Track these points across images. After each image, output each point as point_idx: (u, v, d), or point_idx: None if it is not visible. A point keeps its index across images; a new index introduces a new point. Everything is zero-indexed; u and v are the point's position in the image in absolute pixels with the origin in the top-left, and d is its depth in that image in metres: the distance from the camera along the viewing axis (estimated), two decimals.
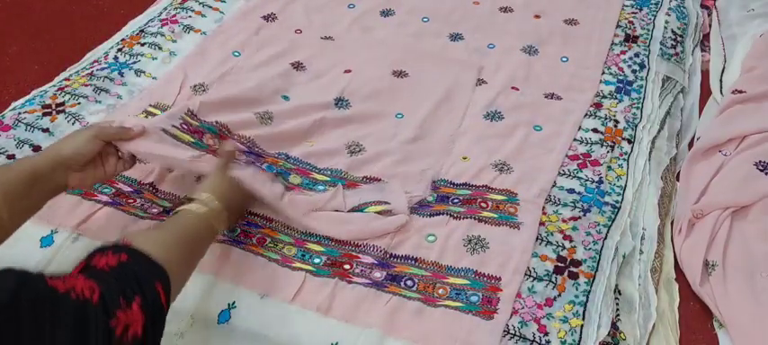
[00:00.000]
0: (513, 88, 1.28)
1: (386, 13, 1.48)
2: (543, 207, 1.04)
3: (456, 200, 1.05)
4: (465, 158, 1.13)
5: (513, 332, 0.89)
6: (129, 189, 1.05)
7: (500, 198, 1.05)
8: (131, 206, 1.02)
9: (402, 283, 0.93)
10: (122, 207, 1.01)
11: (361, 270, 0.94)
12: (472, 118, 1.21)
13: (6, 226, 0.77)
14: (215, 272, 0.93)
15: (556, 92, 1.27)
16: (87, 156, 0.87)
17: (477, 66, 1.32)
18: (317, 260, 0.96)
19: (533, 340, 0.88)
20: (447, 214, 1.02)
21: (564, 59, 1.36)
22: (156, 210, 1.02)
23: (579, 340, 0.87)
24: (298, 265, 0.94)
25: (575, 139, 1.18)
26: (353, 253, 0.97)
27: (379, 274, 0.94)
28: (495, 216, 1.02)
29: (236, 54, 1.35)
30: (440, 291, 0.92)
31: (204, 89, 1.25)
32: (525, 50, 1.37)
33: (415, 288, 0.92)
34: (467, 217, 1.01)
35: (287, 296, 0.90)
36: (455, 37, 1.42)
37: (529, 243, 0.98)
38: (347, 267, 0.95)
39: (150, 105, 1.20)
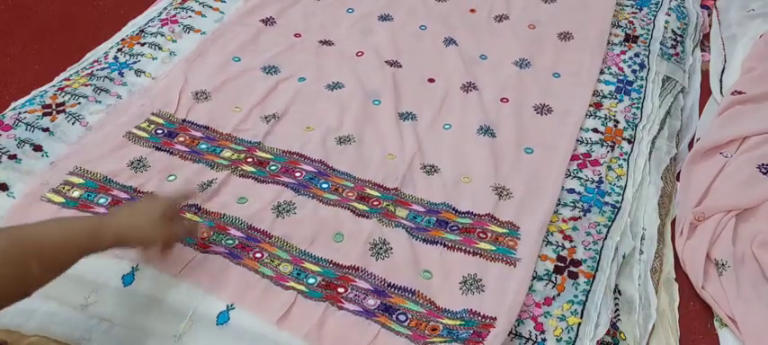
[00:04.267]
0: (502, 100, 1.26)
1: (384, 18, 1.48)
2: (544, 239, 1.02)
3: (454, 228, 1.02)
4: (466, 179, 1.11)
5: (510, 330, 0.89)
6: (126, 196, 1.04)
7: (501, 230, 1.01)
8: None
9: (394, 316, 0.90)
10: None
11: (355, 295, 0.92)
12: (466, 133, 1.19)
13: (35, 291, 0.73)
14: (208, 284, 0.91)
15: (546, 103, 1.25)
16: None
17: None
18: (311, 281, 0.93)
19: (529, 338, 0.88)
20: (441, 244, 0.99)
21: (556, 75, 1.33)
22: None
23: (575, 339, 0.88)
24: (291, 284, 0.92)
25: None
26: (351, 277, 0.95)
27: (372, 302, 0.91)
28: (493, 248, 0.98)
29: (236, 59, 1.34)
30: (431, 328, 0.89)
31: (206, 96, 1.25)
32: (517, 63, 1.35)
33: (406, 324, 0.89)
34: (460, 248, 0.98)
35: (274, 317, 0.88)
36: (449, 41, 1.41)
37: (525, 283, 0.93)
38: (341, 290, 0.92)
39: (152, 113, 1.19)
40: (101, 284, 0.91)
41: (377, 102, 1.25)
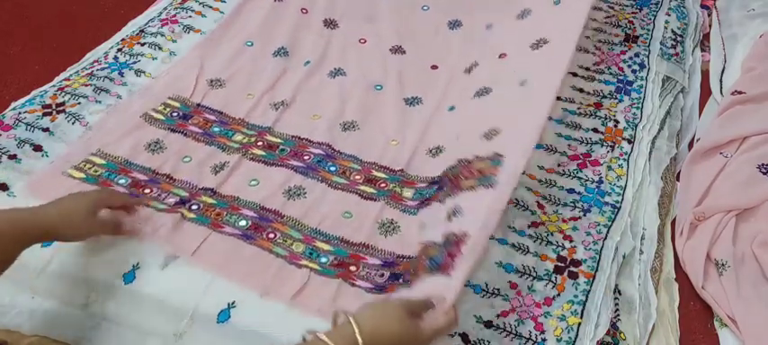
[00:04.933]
0: (501, 56, 1.27)
1: None
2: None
3: (446, 182, 1.04)
4: (459, 138, 1.12)
5: (509, 330, 0.89)
6: (145, 177, 1.07)
7: (484, 164, 0.99)
8: (148, 197, 1.03)
9: (401, 279, 0.93)
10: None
11: (367, 273, 0.94)
12: (468, 109, 1.20)
13: None
14: (221, 266, 0.93)
15: (543, 36, 1.21)
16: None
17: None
18: (323, 259, 0.96)
19: (529, 338, 0.88)
20: (437, 201, 1.01)
21: (556, 2, 1.30)
22: (172, 201, 1.03)
23: (576, 339, 0.88)
24: (304, 263, 0.94)
25: (574, 139, 1.18)
26: (362, 255, 0.97)
27: (383, 276, 0.94)
28: (476, 182, 0.97)
29: (249, 44, 1.36)
30: (424, 264, 0.90)
31: (220, 83, 1.27)
32: (519, 16, 1.34)
33: (409, 281, 0.91)
34: (449, 195, 0.98)
35: (287, 294, 0.90)
36: (454, 25, 1.41)
37: (499, 201, 0.90)
38: (353, 268, 0.94)
39: (169, 97, 1.22)
40: (101, 283, 0.91)
41: (379, 88, 1.27)
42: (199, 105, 1.22)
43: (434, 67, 1.33)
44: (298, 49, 1.36)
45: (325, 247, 0.98)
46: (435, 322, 0.75)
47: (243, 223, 1.00)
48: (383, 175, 1.10)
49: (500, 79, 1.20)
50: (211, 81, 1.27)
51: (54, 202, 0.86)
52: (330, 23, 1.42)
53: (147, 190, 1.04)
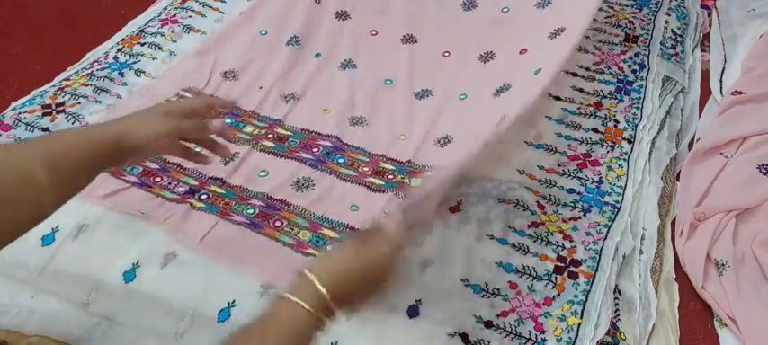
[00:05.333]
0: (521, 52, 1.26)
1: None
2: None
3: None
4: (476, 137, 1.12)
5: (509, 330, 0.89)
6: (156, 166, 1.09)
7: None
8: (158, 185, 1.05)
9: None
10: (150, 189, 1.04)
11: None
12: (483, 100, 1.20)
13: (49, 204, 0.68)
14: (227, 254, 0.94)
15: (561, 25, 1.21)
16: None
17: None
18: (329, 248, 0.97)
19: (529, 338, 0.88)
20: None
21: None
22: (182, 189, 1.05)
23: (576, 339, 0.88)
24: (311, 251, 0.96)
25: (574, 139, 1.18)
26: None
27: None
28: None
29: (263, 33, 1.37)
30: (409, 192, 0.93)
31: (234, 76, 1.28)
32: (540, 5, 1.33)
33: None
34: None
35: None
36: (468, 6, 1.41)
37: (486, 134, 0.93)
38: None
39: (182, 89, 1.22)
40: (102, 281, 0.92)
41: (389, 82, 1.28)
42: (211, 96, 1.23)
43: (446, 54, 1.33)
44: (310, 39, 1.37)
45: (332, 234, 0.99)
46: (387, 235, 0.72)
47: (250, 211, 1.02)
48: (391, 167, 1.11)
49: (519, 74, 1.20)
50: (225, 73, 1.29)
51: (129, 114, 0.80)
52: (342, 15, 1.42)
53: (157, 179, 1.07)
